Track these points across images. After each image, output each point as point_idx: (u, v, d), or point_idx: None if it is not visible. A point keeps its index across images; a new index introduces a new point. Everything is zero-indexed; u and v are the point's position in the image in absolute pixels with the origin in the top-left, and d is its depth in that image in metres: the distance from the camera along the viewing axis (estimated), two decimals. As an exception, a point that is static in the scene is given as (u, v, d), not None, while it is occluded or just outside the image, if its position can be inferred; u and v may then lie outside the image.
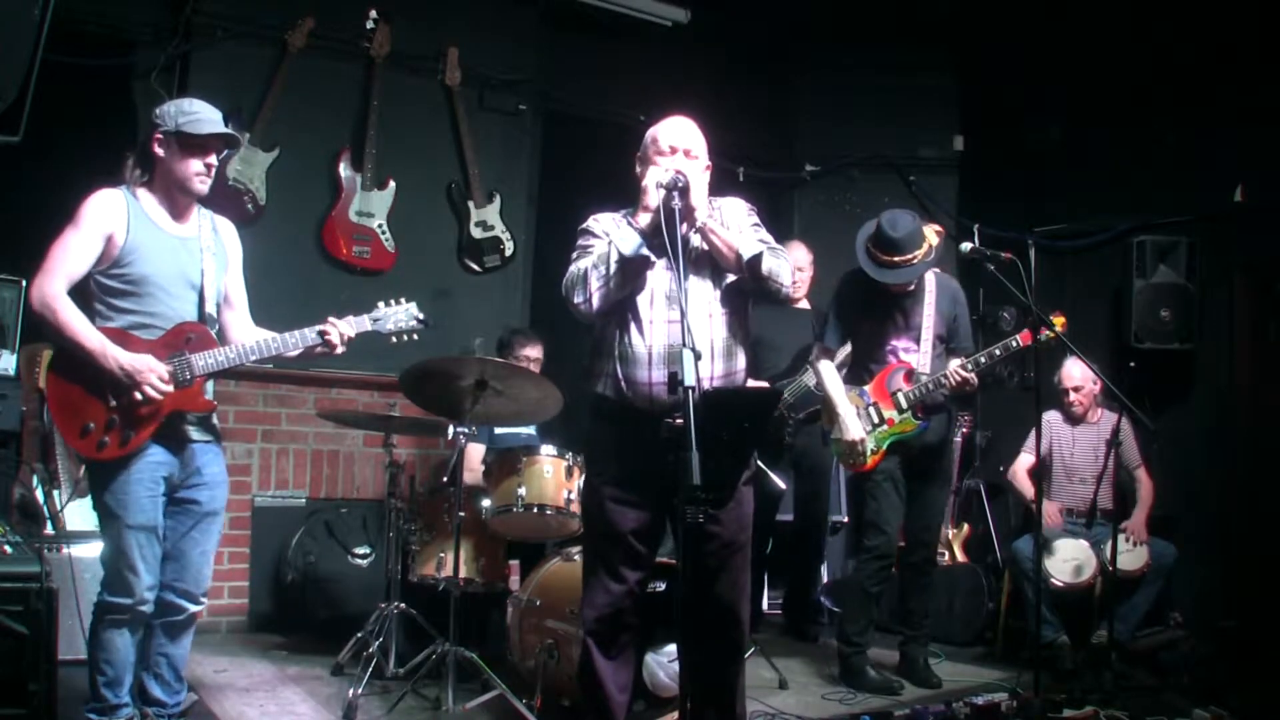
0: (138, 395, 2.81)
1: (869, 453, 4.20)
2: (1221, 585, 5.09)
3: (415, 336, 3.28)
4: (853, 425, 4.20)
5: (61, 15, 2.46)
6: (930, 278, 4.30)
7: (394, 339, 3.25)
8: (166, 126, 2.91)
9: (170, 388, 2.85)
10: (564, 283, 2.80)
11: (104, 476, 2.87)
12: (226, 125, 2.99)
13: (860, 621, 4.30)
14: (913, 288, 4.28)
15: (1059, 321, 4.03)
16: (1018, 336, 4.07)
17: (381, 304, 3.24)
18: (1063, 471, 5.03)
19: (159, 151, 2.92)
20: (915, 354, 4.26)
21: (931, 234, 4.18)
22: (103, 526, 2.93)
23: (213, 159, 2.95)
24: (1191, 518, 5.15)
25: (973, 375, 4.13)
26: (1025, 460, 5.05)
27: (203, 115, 2.93)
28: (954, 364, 4.19)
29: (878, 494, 4.28)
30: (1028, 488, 4.96)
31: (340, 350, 3.11)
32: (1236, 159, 5.26)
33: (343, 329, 3.09)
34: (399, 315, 3.23)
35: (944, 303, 4.31)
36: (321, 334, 3.07)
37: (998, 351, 4.12)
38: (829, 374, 4.34)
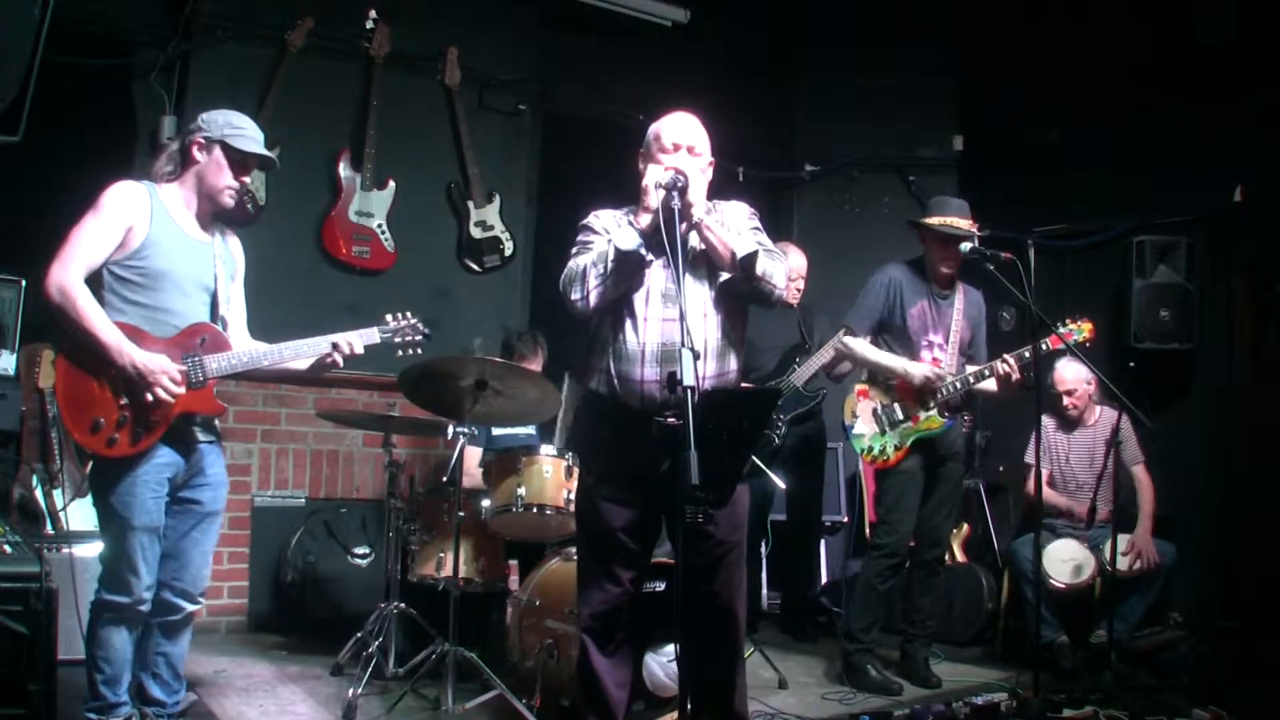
0: (150, 396, 2.80)
1: (944, 380, 4.18)
2: (1221, 585, 5.09)
3: (419, 350, 3.33)
4: (916, 367, 4.19)
5: (61, 15, 2.45)
6: (960, 285, 4.36)
7: (400, 353, 3.30)
8: (210, 133, 2.92)
9: (183, 390, 2.85)
10: (562, 278, 2.80)
11: (111, 476, 2.86)
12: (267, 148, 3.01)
13: (866, 619, 4.30)
14: (947, 292, 4.33)
15: (1087, 327, 4.04)
16: (1047, 340, 4.03)
17: (389, 317, 3.27)
18: (1059, 478, 5.03)
19: (197, 155, 2.93)
20: (944, 353, 4.28)
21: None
22: (104, 526, 2.92)
23: (248, 178, 2.97)
24: (1191, 518, 5.15)
25: (1017, 371, 4.11)
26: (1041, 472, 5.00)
27: (249, 133, 2.95)
28: (969, 367, 4.24)
29: (895, 492, 4.29)
30: (1056, 496, 4.94)
31: (341, 365, 3.10)
32: (1236, 159, 5.26)
33: (353, 341, 3.10)
34: (405, 329, 3.26)
35: (971, 310, 4.37)
36: (335, 345, 3.07)
37: (1026, 354, 4.10)
38: (865, 345, 4.31)
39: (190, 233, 2.97)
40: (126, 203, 2.84)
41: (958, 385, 4.19)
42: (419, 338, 3.29)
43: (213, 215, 3.03)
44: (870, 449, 4.34)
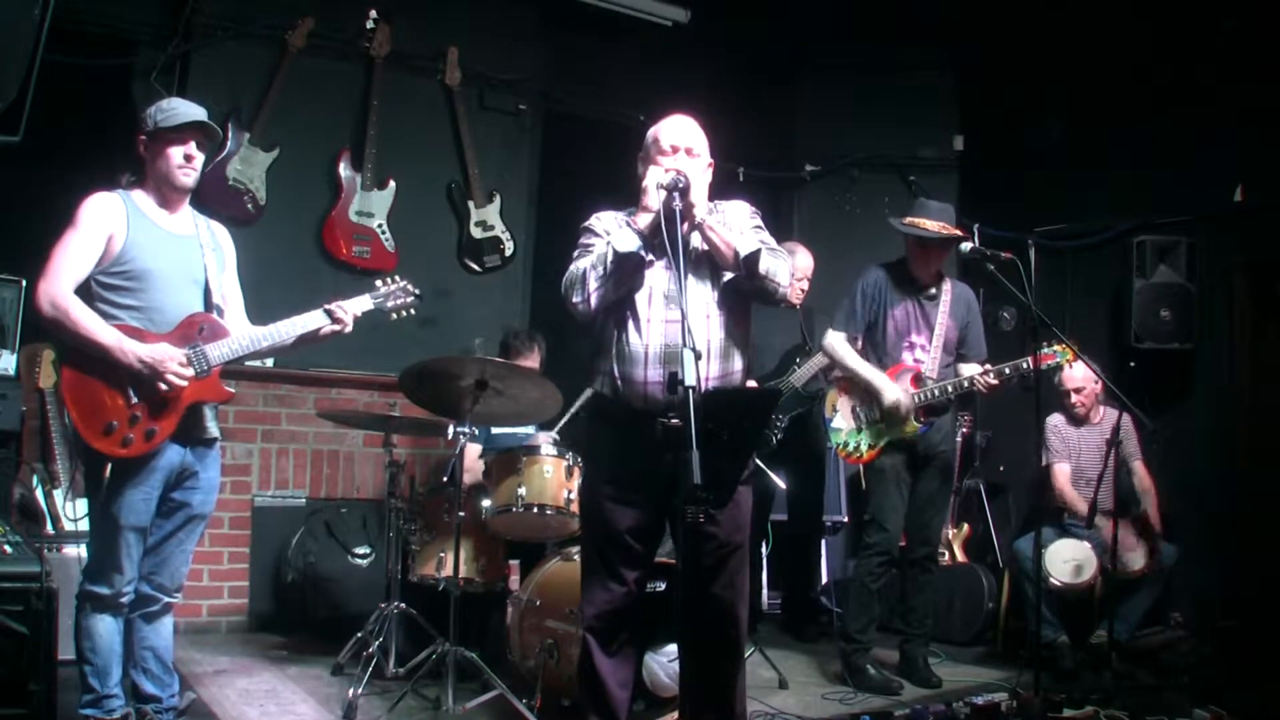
0: (161, 386, 2.83)
1: (910, 419, 4.20)
2: (1221, 585, 5.09)
3: (413, 311, 3.43)
4: (888, 388, 4.20)
5: (61, 15, 2.45)
6: (947, 283, 4.37)
7: (394, 315, 3.40)
8: (147, 128, 2.96)
9: (191, 373, 2.88)
10: (563, 282, 2.81)
11: (105, 475, 2.87)
12: (209, 119, 3.02)
13: (862, 619, 4.31)
14: (934, 291, 4.33)
15: (1070, 354, 4.04)
16: (1030, 358, 4.04)
17: (379, 282, 3.38)
18: (1071, 474, 5.03)
19: (144, 154, 2.97)
20: (926, 354, 4.28)
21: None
22: (95, 522, 2.96)
23: (192, 148, 2.97)
24: (1191, 518, 5.14)
25: (999, 384, 4.16)
26: (1062, 470, 4.98)
27: (179, 109, 2.97)
28: (968, 369, 4.26)
29: (879, 490, 4.31)
30: (1077, 499, 4.91)
31: (348, 328, 3.19)
32: (1236, 159, 5.26)
33: (348, 308, 3.19)
34: (395, 293, 3.37)
35: (959, 309, 4.36)
36: (329, 312, 3.15)
37: (1007, 370, 4.14)
38: (848, 351, 4.33)
39: (170, 229, 3.00)
40: (104, 212, 2.87)
41: (935, 393, 4.21)
42: (410, 299, 3.40)
43: (185, 202, 3.06)
44: (845, 444, 4.38)
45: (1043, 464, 4.96)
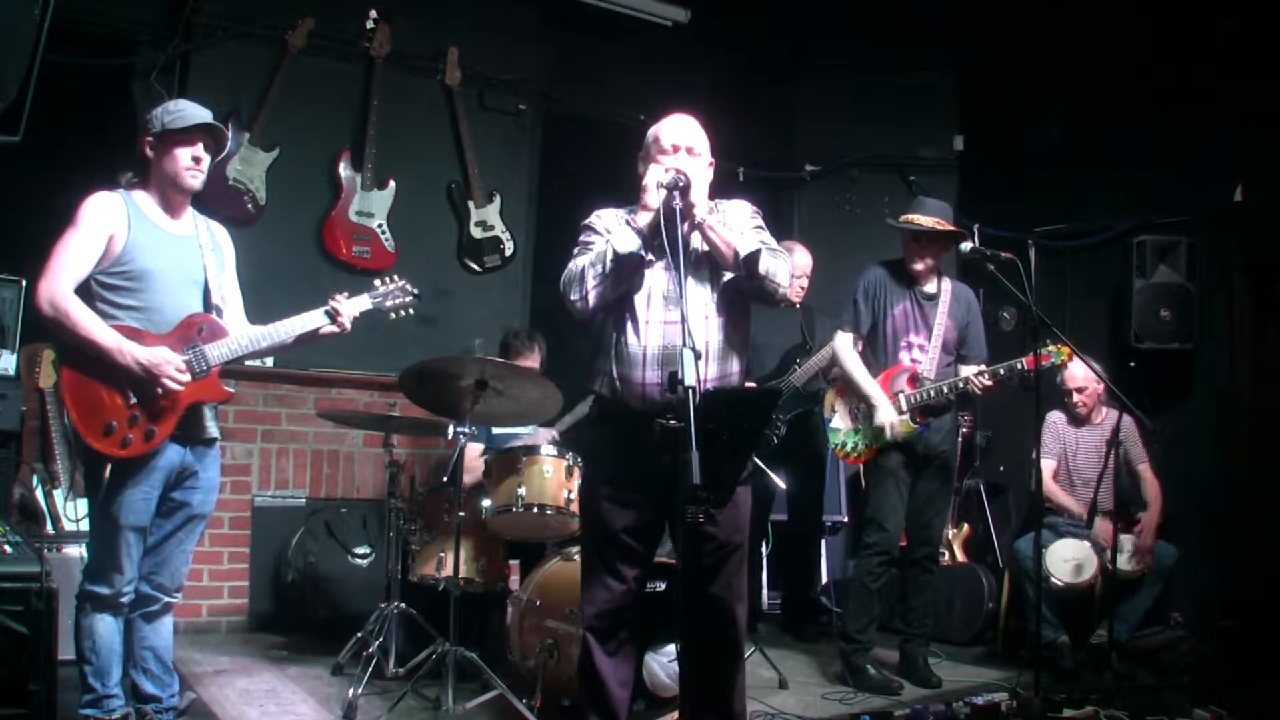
0: (158, 389, 2.84)
1: (899, 436, 4.21)
2: (1221, 585, 5.09)
3: (412, 311, 3.43)
4: (884, 408, 4.21)
5: (61, 15, 2.45)
6: (947, 283, 4.38)
7: (393, 315, 3.39)
8: (153, 129, 2.96)
9: (188, 378, 2.89)
10: (562, 279, 2.80)
11: (111, 475, 2.87)
12: (214, 120, 3.02)
13: (862, 619, 4.31)
14: (932, 291, 4.33)
15: (1065, 351, 4.04)
16: (1023, 360, 4.06)
17: (377, 282, 3.37)
18: (1066, 474, 5.03)
19: (149, 153, 2.98)
20: (924, 354, 4.29)
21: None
22: (95, 521, 2.97)
23: (199, 150, 2.98)
24: (1191, 518, 5.14)
25: (993, 384, 4.17)
26: (1049, 466, 4.99)
27: (186, 111, 2.98)
28: (968, 370, 4.26)
29: (879, 490, 4.32)
30: (1063, 496, 4.93)
31: (347, 329, 3.19)
32: (1236, 159, 5.26)
33: (347, 308, 3.19)
34: (394, 292, 3.37)
35: (958, 309, 4.36)
36: (330, 313, 3.15)
37: (1002, 371, 4.15)
38: (852, 357, 4.35)
39: (171, 230, 3.00)
40: (104, 212, 2.87)
41: (931, 394, 4.21)
42: (408, 299, 3.40)
43: (188, 204, 3.06)
44: (844, 444, 4.42)
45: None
